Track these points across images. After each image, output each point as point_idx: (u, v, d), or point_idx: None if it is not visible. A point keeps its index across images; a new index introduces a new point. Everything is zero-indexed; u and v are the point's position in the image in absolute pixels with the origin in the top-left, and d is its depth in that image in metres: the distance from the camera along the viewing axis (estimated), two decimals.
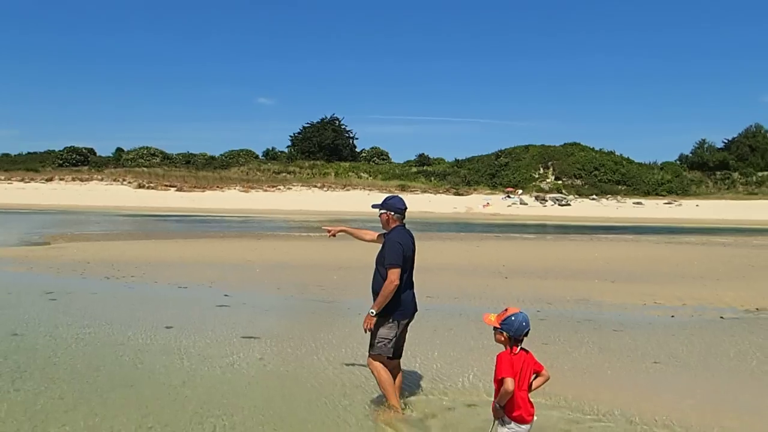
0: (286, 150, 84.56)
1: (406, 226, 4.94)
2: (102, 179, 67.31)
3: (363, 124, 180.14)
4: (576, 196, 66.17)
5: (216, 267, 13.75)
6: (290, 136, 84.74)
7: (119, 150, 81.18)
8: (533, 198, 64.27)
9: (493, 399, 3.81)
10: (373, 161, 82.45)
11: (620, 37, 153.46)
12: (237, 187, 66.03)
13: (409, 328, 4.90)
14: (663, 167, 76.04)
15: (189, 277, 12.08)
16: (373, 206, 5.05)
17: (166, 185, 65.47)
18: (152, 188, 64.71)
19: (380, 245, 4.87)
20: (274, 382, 5.49)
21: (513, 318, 3.74)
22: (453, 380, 5.61)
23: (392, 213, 4.86)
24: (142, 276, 12.04)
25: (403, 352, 4.97)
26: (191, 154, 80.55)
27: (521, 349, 3.76)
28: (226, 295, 9.96)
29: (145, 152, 78.38)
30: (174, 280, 11.64)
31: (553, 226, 38.72)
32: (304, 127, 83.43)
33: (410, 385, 5.35)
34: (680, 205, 60.56)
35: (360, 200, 58.38)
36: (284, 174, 72.56)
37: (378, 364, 4.71)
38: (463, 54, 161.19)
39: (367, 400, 4.97)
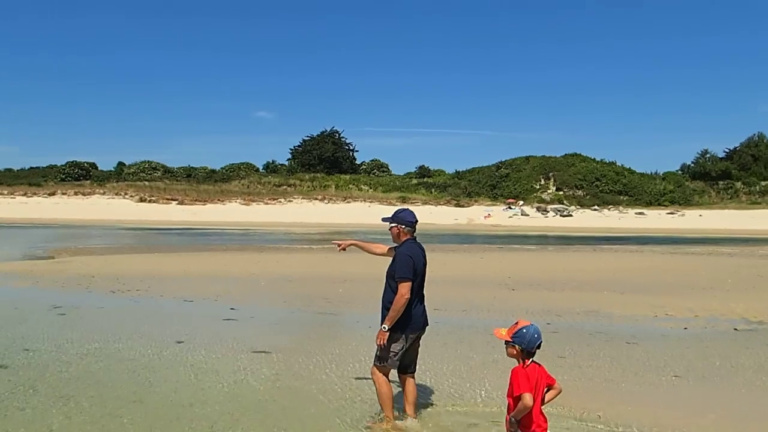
0: (286, 163, 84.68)
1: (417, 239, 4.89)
2: (104, 193, 67.41)
3: (363, 136, 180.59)
4: (577, 206, 66.07)
5: (220, 280, 13.67)
6: (290, 149, 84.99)
7: (121, 164, 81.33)
8: (534, 209, 64.17)
9: (506, 414, 3.77)
10: (374, 173, 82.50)
11: (620, 47, 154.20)
12: (238, 200, 66.07)
13: (421, 342, 4.85)
14: (665, 177, 75.96)
15: (194, 290, 12.00)
16: (384, 219, 5.02)
17: (168, 199, 65.53)
18: (154, 201, 64.79)
19: (390, 259, 4.83)
20: (285, 398, 5.39)
21: (524, 330, 3.72)
22: (466, 394, 5.52)
23: (403, 226, 4.83)
24: (148, 290, 11.97)
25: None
26: (192, 167, 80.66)
27: (532, 361, 3.73)
28: (232, 309, 9.88)
29: (146, 166, 78.52)
30: (179, 294, 11.57)
31: (555, 237, 38.61)
32: (304, 140, 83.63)
33: (423, 399, 5.26)
34: (683, 215, 60.39)
35: (361, 212, 58.47)
36: (285, 187, 72.61)
37: (381, 376, 4.67)
38: (463, 66, 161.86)
39: (379, 416, 4.87)
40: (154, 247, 24.56)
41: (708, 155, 78.90)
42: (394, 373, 4.89)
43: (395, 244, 4.89)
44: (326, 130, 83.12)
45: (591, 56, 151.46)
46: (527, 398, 3.55)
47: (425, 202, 66.18)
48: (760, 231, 45.03)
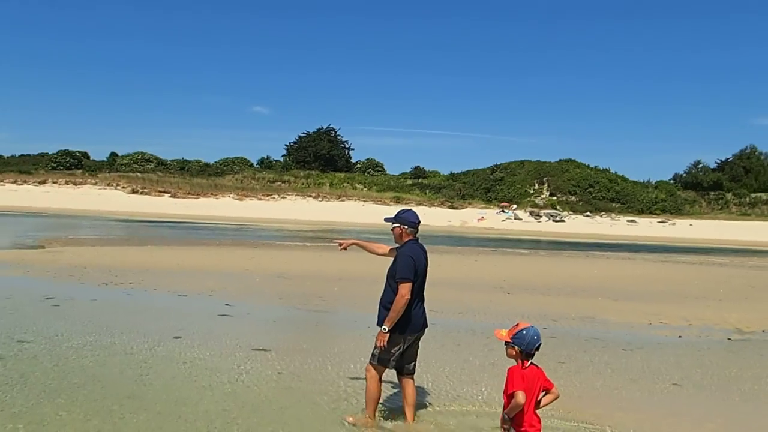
0: (281, 159, 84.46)
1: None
2: (96, 183, 66.77)
3: (359, 135, 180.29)
4: (570, 212, 66.35)
5: (214, 275, 13.57)
6: (285, 146, 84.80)
7: (113, 155, 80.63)
8: (528, 213, 64.36)
9: (502, 411, 3.87)
10: (368, 172, 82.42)
11: (616, 56, 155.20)
12: (231, 195, 65.74)
13: (420, 343, 4.82)
14: (657, 186, 76.55)
15: (188, 285, 11.90)
16: (386, 219, 4.99)
17: (160, 191, 65.06)
18: (146, 194, 64.29)
19: (392, 259, 4.82)
20: (283, 398, 5.33)
21: (524, 332, 3.82)
22: (463, 395, 5.50)
23: (406, 227, 4.81)
24: (141, 283, 11.85)
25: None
26: (186, 160, 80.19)
27: (531, 364, 3.83)
28: (227, 305, 9.80)
29: (139, 157, 77.92)
30: (173, 288, 11.46)
31: (547, 242, 38.73)
32: (299, 137, 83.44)
33: (422, 400, 5.24)
34: (674, 224, 60.81)
35: (355, 211, 58.36)
36: (279, 183, 72.38)
37: (374, 375, 4.66)
38: (460, 69, 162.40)
39: (381, 416, 4.83)
40: (147, 240, 24.36)
41: (700, 166, 79.76)
42: (391, 374, 4.87)
43: (397, 245, 4.86)
44: (322, 128, 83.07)
45: (590, 65, 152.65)
46: (520, 396, 3.66)
47: (419, 203, 66.10)
48: (749, 242, 45.45)
